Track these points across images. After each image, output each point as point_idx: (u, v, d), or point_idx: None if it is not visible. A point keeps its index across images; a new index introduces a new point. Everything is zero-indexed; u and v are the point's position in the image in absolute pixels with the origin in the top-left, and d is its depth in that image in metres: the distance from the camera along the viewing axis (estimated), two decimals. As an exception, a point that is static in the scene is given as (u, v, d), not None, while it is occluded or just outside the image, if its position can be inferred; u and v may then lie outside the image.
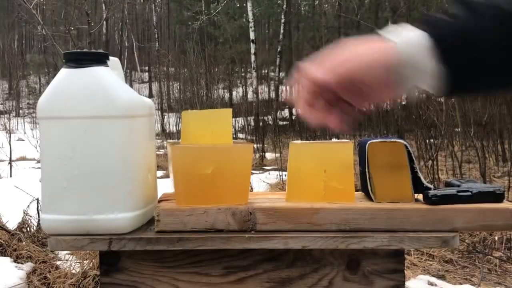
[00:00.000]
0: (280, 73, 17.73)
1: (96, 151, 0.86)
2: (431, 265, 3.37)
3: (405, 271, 0.91)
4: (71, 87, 0.86)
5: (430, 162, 5.32)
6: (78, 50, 0.91)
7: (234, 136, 9.89)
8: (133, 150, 0.89)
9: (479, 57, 0.66)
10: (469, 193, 0.88)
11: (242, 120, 12.81)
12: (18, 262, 3.06)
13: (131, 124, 0.88)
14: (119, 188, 0.87)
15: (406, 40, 0.68)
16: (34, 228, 3.63)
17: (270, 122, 11.56)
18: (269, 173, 7.39)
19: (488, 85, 0.69)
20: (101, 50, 0.92)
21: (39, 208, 3.67)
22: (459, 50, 0.66)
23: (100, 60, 0.89)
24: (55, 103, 0.87)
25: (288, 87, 0.75)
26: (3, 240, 3.23)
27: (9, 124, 9.69)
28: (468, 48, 0.66)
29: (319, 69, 0.70)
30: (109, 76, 0.89)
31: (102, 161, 0.86)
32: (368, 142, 0.92)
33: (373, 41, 0.70)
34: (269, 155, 9.64)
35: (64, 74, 0.88)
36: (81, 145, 0.86)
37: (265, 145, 10.00)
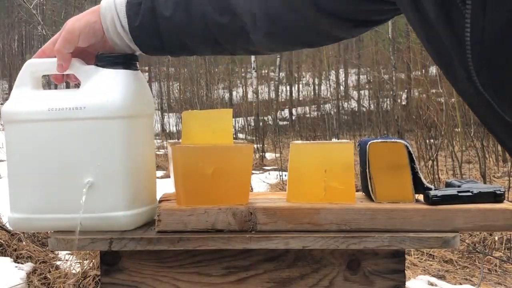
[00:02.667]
0: (280, 73, 17.73)
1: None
2: (431, 265, 3.37)
3: (405, 271, 0.91)
4: None
5: (430, 162, 5.32)
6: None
7: (234, 136, 9.88)
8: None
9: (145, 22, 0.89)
10: (470, 194, 0.88)
11: (242, 120, 12.81)
12: (18, 262, 3.06)
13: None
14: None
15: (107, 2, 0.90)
16: (34, 228, 3.62)
17: (270, 122, 11.56)
18: (269, 173, 7.39)
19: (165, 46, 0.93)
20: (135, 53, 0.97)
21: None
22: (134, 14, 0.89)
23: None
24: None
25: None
26: (3, 240, 3.22)
27: (9, 124, 9.66)
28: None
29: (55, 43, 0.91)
30: (141, 76, 0.92)
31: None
32: (369, 142, 0.92)
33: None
34: (269, 155, 9.64)
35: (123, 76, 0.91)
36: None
37: (265, 145, 10.00)
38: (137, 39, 0.91)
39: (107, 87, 0.88)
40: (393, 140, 0.92)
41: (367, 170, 0.92)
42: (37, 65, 0.93)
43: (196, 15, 0.88)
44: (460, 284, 3.04)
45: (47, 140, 0.88)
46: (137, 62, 0.94)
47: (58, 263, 3.14)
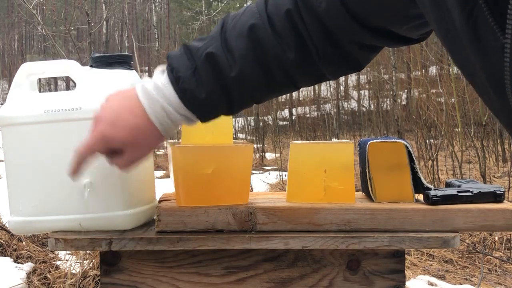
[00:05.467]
0: (280, 73, 17.68)
1: None
2: (431, 265, 3.37)
3: (405, 271, 0.91)
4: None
5: (430, 162, 5.32)
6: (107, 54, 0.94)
7: (234, 136, 9.89)
8: None
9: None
10: (470, 194, 0.88)
11: (242, 120, 12.81)
12: (18, 262, 3.06)
13: None
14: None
15: (144, 89, 0.74)
16: (34, 228, 3.63)
17: (270, 122, 11.55)
18: (269, 173, 7.39)
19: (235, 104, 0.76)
20: (127, 53, 0.97)
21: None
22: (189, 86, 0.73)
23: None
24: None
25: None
26: (3, 240, 3.22)
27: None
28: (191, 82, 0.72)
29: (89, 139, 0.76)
30: (135, 76, 0.92)
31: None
32: (369, 142, 0.92)
33: (129, 96, 0.76)
34: (269, 155, 9.64)
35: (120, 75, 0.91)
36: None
37: (265, 145, 10.00)
38: (202, 113, 0.76)
39: (102, 87, 0.88)
40: (393, 140, 0.92)
41: (367, 170, 0.92)
42: (33, 68, 0.93)
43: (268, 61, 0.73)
44: (460, 284, 3.04)
45: (44, 142, 0.88)
46: (132, 62, 0.94)
47: (58, 263, 3.14)
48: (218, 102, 0.75)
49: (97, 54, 0.92)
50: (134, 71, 0.94)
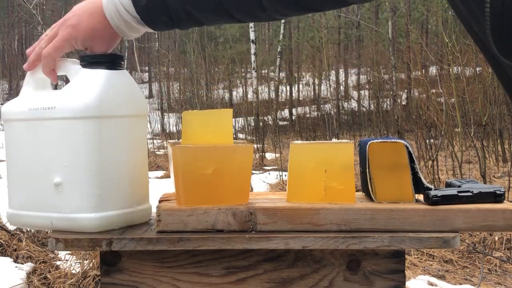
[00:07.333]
0: (280, 73, 17.73)
1: (135, 146, 0.90)
2: (431, 265, 3.37)
3: (405, 271, 0.91)
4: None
5: (430, 162, 5.32)
6: (112, 54, 0.94)
7: (234, 136, 9.90)
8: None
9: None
10: (470, 194, 0.88)
11: (242, 120, 12.81)
12: (18, 262, 3.06)
13: (144, 122, 0.93)
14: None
15: None
16: (34, 228, 3.62)
17: (270, 122, 11.56)
18: (269, 173, 7.39)
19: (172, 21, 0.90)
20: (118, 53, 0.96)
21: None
22: None
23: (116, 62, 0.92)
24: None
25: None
26: (3, 240, 3.23)
27: (9, 124, 9.67)
28: None
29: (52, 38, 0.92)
30: (122, 76, 0.92)
31: (141, 155, 0.90)
32: (369, 143, 0.92)
33: (93, 1, 0.91)
34: (269, 155, 9.65)
35: (104, 75, 0.89)
36: (127, 142, 0.89)
37: (265, 145, 10.00)
38: (145, 18, 0.90)
39: (79, 87, 0.88)
40: (393, 140, 0.92)
41: (367, 170, 0.92)
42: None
43: None
44: (460, 284, 3.04)
45: (26, 139, 0.90)
46: (121, 62, 0.92)
47: (58, 263, 3.15)
48: (159, 12, 0.89)
49: (84, 53, 0.91)
50: (123, 71, 0.92)
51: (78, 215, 0.86)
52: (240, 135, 12.45)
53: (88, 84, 0.87)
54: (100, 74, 0.88)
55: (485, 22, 0.65)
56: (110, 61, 0.90)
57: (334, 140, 9.47)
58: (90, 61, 0.90)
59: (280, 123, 14.24)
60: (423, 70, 9.38)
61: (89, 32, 0.90)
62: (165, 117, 15.50)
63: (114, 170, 0.89)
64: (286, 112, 17.10)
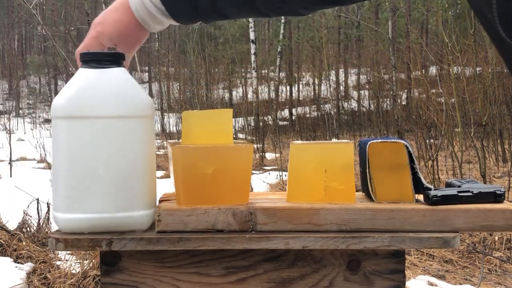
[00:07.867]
0: (280, 73, 17.72)
1: (120, 150, 0.86)
2: (431, 265, 3.37)
3: (405, 271, 0.91)
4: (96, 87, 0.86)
5: (430, 162, 5.32)
6: (99, 51, 0.91)
7: (234, 136, 9.89)
8: (150, 148, 0.90)
9: None
10: (470, 194, 0.88)
11: (242, 120, 12.82)
12: (18, 262, 3.07)
13: (150, 123, 0.92)
14: (140, 186, 0.88)
15: None
16: (34, 228, 3.63)
17: (270, 122, 11.56)
18: (269, 173, 7.40)
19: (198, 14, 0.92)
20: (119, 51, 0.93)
21: (41, 208, 3.67)
22: None
23: (118, 61, 0.89)
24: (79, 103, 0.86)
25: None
26: (3, 240, 3.23)
27: (9, 124, 9.70)
28: None
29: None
30: (129, 76, 0.90)
31: (125, 160, 0.86)
32: (369, 143, 0.92)
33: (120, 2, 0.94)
34: (269, 155, 9.65)
35: (86, 74, 0.87)
36: (106, 144, 0.85)
37: (265, 145, 10.01)
38: (170, 9, 0.91)
39: (66, 86, 0.88)
40: (393, 140, 0.92)
41: (367, 170, 0.92)
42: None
43: None
44: (460, 284, 3.04)
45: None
46: (123, 60, 0.90)
47: (58, 263, 3.15)
48: (185, 3, 0.90)
49: (84, 52, 0.89)
50: (115, 69, 0.88)
51: (56, 213, 0.88)
52: (240, 135, 12.45)
53: (68, 84, 0.88)
54: (80, 74, 0.88)
55: (492, 4, 0.71)
56: (95, 60, 0.86)
57: (334, 140, 9.47)
58: (81, 59, 0.88)
59: (280, 123, 14.25)
60: (423, 70, 9.38)
61: (114, 25, 0.92)
62: (165, 117, 15.52)
63: (87, 172, 0.85)
64: (286, 112, 17.11)
